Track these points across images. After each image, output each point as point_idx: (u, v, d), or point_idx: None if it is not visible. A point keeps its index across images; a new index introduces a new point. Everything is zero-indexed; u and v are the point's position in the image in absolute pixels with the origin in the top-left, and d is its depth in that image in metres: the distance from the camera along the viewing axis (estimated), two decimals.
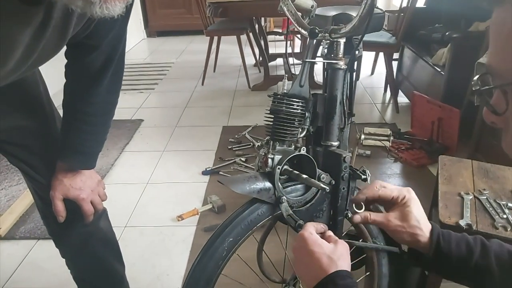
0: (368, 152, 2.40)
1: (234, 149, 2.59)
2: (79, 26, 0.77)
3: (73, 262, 1.20)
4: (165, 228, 1.88)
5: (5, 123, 0.91)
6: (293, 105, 0.91)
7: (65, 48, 0.88)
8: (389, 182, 2.18)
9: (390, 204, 0.79)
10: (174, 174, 2.34)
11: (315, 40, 0.94)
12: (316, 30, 0.90)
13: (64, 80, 0.95)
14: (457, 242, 0.70)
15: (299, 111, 0.92)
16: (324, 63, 0.97)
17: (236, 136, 2.75)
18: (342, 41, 0.92)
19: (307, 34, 0.92)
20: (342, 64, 0.92)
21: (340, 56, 0.92)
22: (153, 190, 2.20)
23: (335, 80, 0.93)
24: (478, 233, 1.01)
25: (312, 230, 0.76)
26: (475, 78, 0.46)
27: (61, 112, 1.00)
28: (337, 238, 0.75)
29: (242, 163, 2.41)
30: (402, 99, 3.25)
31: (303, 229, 0.76)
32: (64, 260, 1.19)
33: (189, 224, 1.90)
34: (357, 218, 0.81)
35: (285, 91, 0.94)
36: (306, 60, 0.92)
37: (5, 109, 0.90)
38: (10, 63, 0.69)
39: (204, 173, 2.32)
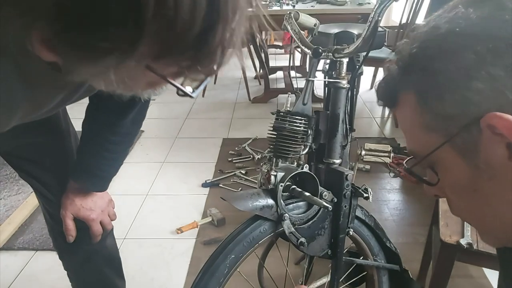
0: (367, 167, 2.41)
1: (234, 161, 2.59)
2: (92, 92, 0.78)
3: (75, 276, 1.20)
4: (164, 241, 1.88)
5: (19, 139, 0.90)
6: (296, 122, 0.93)
7: None
8: (389, 197, 2.19)
9: None
10: (174, 186, 2.34)
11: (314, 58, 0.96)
12: (320, 50, 0.92)
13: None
14: None
15: (302, 128, 0.93)
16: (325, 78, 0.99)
17: (236, 148, 2.75)
18: (345, 60, 0.93)
19: (310, 53, 0.93)
20: (345, 83, 0.94)
21: (343, 75, 0.94)
22: (152, 202, 2.20)
23: (338, 99, 0.94)
24: (478, 252, 1.01)
25: None
26: (404, 162, 0.55)
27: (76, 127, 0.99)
28: None
29: (242, 175, 2.41)
30: None
31: None
32: (62, 272, 1.18)
33: (188, 237, 1.89)
34: None
35: (288, 109, 0.95)
36: (310, 79, 0.93)
37: (20, 125, 0.90)
38: (38, 113, 0.69)
39: (204, 185, 2.32)
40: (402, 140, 2.81)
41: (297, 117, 0.93)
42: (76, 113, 0.97)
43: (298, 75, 4.16)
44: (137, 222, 2.02)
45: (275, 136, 0.95)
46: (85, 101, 0.94)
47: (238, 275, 1.05)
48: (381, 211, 2.05)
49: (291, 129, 0.93)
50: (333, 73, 0.97)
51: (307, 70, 0.99)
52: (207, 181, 2.34)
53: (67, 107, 1.01)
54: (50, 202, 1.00)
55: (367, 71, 4.01)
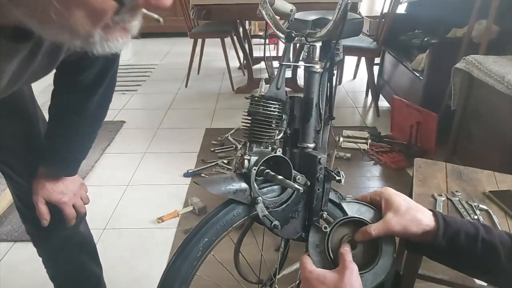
0: (348, 155, 2.43)
1: (216, 151, 2.59)
2: (71, 51, 0.76)
3: (50, 262, 1.19)
4: (145, 230, 1.87)
5: None
6: (270, 107, 0.93)
7: None
8: (369, 184, 2.22)
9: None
10: (155, 176, 2.33)
11: (292, 44, 0.96)
12: (293, 34, 0.92)
13: (51, 81, 0.93)
14: (461, 220, 0.67)
15: (276, 113, 0.93)
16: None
17: (219, 138, 2.75)
18: (318, 45, 0.94)
19: (283, 38, 0.93)
20: (318, 67, 0.94)
21: (316, 59, 0.94)
22: (133, 192, 2.18)
23: (311, 83, 0.94)
24: None
25: (311, 266, 0.69)
26: None
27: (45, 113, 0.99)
28: (346, 257, 0.68)
29: (224, 165, 2.41)
30: (383, 103, 3.31)
31: (302, 270, 0.68)
32: (41, 262, 1.18)
33: (169, 226, 1.89)
34: (359, 237, 0.72)
35: (263, 94, 0.95)
36: (283, 63, 0.93)
37: None
38: None
39: (186, 175, 2.32)
40: (383, 129, 2.84)
41: (271, 101, 0.93)
42: (44, 100, 0.96)
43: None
44: (117, 212, 2.01)
45: (249, 121, 0.95)
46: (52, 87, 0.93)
47: (215, 261, 1.06)
48: None
49: (265, 114, 0.93)
50: (308, 58, 0.97)
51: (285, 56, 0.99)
52: (189, 171, 2.34)
53: (36, 92, 0.99)
54: (21, 187, 0.99)
55: (350, 61, 4.03)
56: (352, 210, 0.78)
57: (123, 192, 2.17)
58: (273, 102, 0.93)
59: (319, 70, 0.94)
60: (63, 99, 0.92)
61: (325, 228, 0.74)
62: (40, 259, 1.18)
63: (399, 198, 0.71)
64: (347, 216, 0.76)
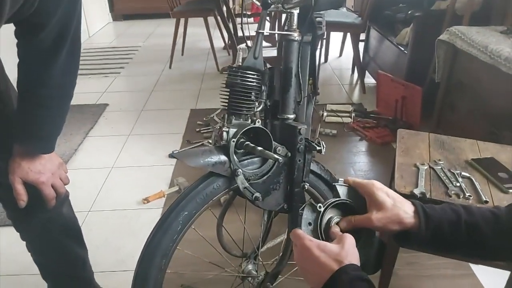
0: (334, 131, 2.43)
1: (202, 131, 2.57)
2: (18, 3, 0.72)
3: (33, 246, 1.17)
4: (130, 212, 1.86)
5: None
6: (248, 77, 0.90)
7: (14, 27, 0.83)
8: (355, 160, 2.22)
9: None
10: (140, 158, 2.30)
11: (267, 11, 0.93)
12: (269, 1, 0.89)
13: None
14: (442, 208, 0.69)
15: (254, 83, 0.91)
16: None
17: (204, 119, 2.72)
18: (296, 11, 0.91)
19: (260, 4, 0.90)
20: (296, 35, 0.92)
21: (294, 27, 0.92)
22: (118, 174, 2.16)
23: (290, 51, 0.92)
24: (431, 201, 1.04)
25: (309, 236, 0.69)
26: None
27: None
28: (341, 233, 0.69)
29: (210, 145, 2.39)
30: (369, 80, 3.30)
31: (301, 239, 0.68)
32: (25, 245, 1.16)
33: (155, 206, 1.88)
34: (343, 224, 0.73)
35: (240, 64, 0.93)
36: (259, 31, 0.91)
37: None
38: None
39: (171, 156, 2.28)
40: (369, 105, 2.83)
41: (248, 72, 0.91)
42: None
43: (267, 44, 4.11)
44: (102, 194, 1.98)
45: (228, 93, 0.93)
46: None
47: (201, 239, 1.05)
48: (347, 172, 2.08)
49: (244, 85, 0.91)
50: (285, 26, 0.95)
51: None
52: (174, 152, 2.30)
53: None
54: None
55: (336, 38, 4.00)
56: (343, 193, 0.78)
57: (108, 175, 2.14)
58: (251, 73, 0.91)
59: (297, 38, 0.92)
60: (26, 70, 0.88)
61: (319, 207, 0.74)
62: (24, 243, 1.15)
63: (383, 194, 0.71)
64: (340, 199, 0.76)
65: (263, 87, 0.94)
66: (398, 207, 0.69)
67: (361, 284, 0.58)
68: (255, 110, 0.95)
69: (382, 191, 0.72)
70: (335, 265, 0.61)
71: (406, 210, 0.69)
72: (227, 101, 0.93)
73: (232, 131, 0.88)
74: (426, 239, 0.67)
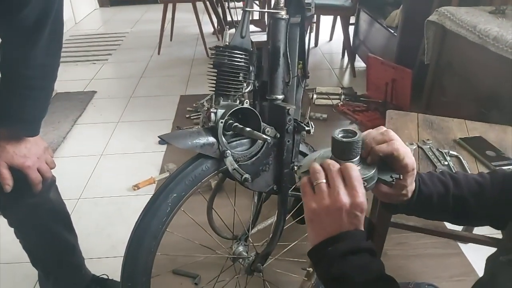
0: (324, 116, 2.42)
1: (192, 117, 2.55)
2: None
3: (21, 232, 1.16)
4: (121, 198, 1.84)
5: None
6: (235, 57, 0.89)
7: None
8: None
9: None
10: (130, 145, 2.28)
11: None
12: None
13: None
14: (432, 181, 0.68)
15: (242, 63, 0.90)
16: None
17: (194, 104, 2.70)
18: None
19: None
20: (283, 14, 0.90)
21: (282, 5, 0.90)
22: (107, 161, 2.14)
23: (277, 30, 0.91)
24: None
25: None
26: None
27: None
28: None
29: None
30: (360, 63, 3.29)
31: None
32: (13, 232, 1.14)
33: (146, 193, 1.87)
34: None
35: (227, 43, 0.91)
36: (246, 9, 0.89)
37: None
38: None
39: (161, 142, 2.27)
40: (359, 89, 2.83)
41: (236, 51, 0.89)
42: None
43: (257, 29, 4.07)
44: (91, 182, 1.97)
45: (215, 74, 0.92)
46: None
47: (192, 223, 1.05)
48: None
49: (231, 65, 0.90)
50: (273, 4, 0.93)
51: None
52: (163, 135, 2.29)
53: None
54: None
55: (326, 22, 3.97)
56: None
57: (97, 162, 2.12)
58: (239, 52, 0.89)
59: (284, 16, 0.90)
60: (8, 50, 0.86)
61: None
62: (12, 229, 1.14)
63: (410, 160, 0.63)
64: None
65: (251, 68, 0.93)
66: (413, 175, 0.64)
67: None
68: (244, 91, 0.94)
69: (409, 156, 0.63)
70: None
71: (413, 180, 0.65)
72: (215, 82, 0.92)
73: (220, 112, 0.87)
74: (414, 208, 0.69)
